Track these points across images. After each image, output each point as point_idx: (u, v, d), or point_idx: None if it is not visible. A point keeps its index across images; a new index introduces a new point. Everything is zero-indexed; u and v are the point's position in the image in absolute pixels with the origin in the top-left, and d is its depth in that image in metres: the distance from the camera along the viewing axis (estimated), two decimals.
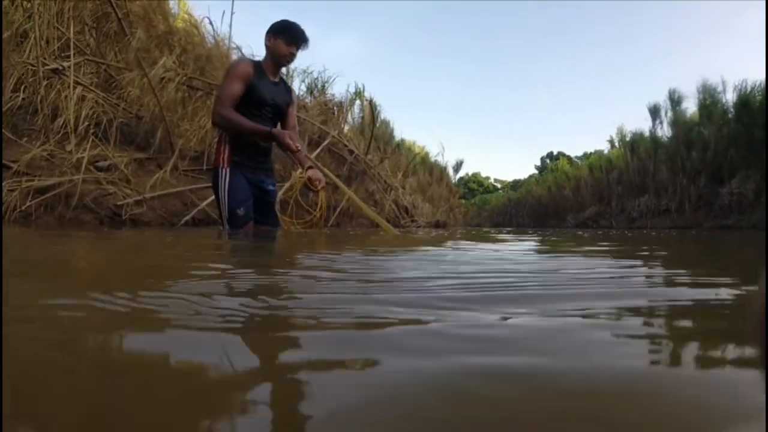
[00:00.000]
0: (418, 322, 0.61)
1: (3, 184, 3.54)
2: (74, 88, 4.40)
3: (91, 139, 4.25)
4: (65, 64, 4.46)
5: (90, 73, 4.89)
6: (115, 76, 5.05)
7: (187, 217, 4.35)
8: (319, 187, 3.23)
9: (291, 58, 3.22)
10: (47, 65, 4.36)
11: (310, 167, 3.30)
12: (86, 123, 4.34)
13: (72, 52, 4.54)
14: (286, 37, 3.14)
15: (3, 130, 3.88)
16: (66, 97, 4.31)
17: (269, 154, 3.34)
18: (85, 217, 3.77)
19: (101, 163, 4.20)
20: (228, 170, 3.09)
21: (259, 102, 3.14)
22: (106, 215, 3.87)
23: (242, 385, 0.40)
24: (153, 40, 5.42)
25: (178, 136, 5.05)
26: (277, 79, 3.28)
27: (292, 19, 3.20)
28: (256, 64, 3.17)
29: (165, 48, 5.57)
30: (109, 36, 5.25)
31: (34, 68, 4.28)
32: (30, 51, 4.34)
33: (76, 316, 0.59)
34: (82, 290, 0.76)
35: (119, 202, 3.96)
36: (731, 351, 0.53)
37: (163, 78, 5.04)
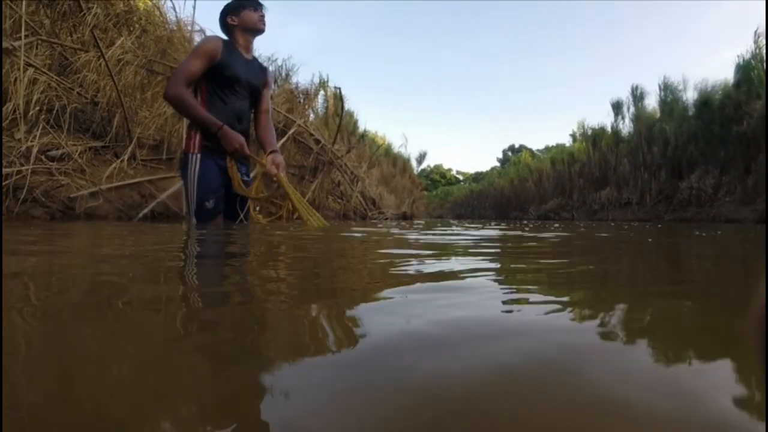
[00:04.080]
0: None
1: None
2: (25, 70, 4.12)
3: (42, 126, 3.99)
4: (16, 44, 4.16)
5: (43, 55, 4.59)
6: (70, 59, 4.77)
7: (145, 210, 4.14)
8: (274, 174, 3.05)
9: (263, 21, 3.07)
10: None
11: (272, 151, 3.14)
12: (37, 108, 4.07)
13: (23, 32, 4.24)
14: (248, 3, 3.03)
15: None
16: (16, 80, 4.02)
17: (247, 139, 3.08)
18: (35, 211, 3.53)
19: (53, 152, 3.95)
20: (198, 157, 2.87)
21: (232, 79, 2.95)
22: (59, 209, 3.63)
23: None
24: (111, 18, 5.14)
25: (137, 124, 4.80)
26: (250, 57, 3.12)
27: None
28: (226, 42, 2.99)
29: (124, 28, 5.29)
30: (65, 15, 4.95)
31: None
32: None
33: None
34: None
35: (73, 195, 3.73)
36: None
37: (120, 60, 4.78)
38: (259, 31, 3.09)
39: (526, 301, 0.68)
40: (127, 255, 1.25)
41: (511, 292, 0.77)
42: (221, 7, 3.08)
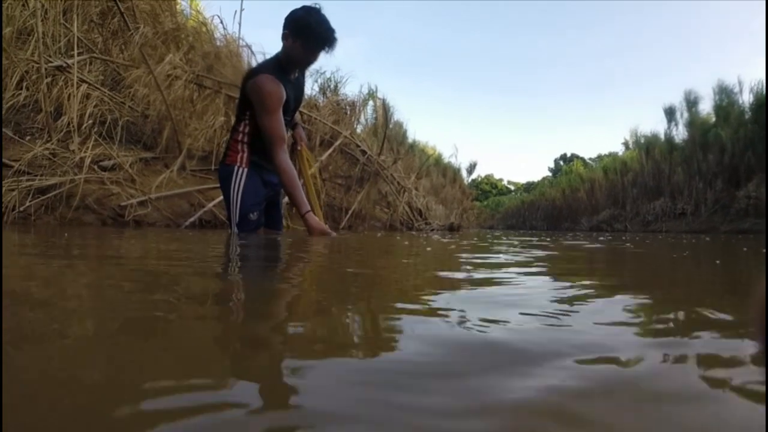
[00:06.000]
0: None
1: (3, 183, 3.39)
2: (78, 85, 4.26)
3: (94, 138, 4.10)
4: (70, 61, 4.32)
5: (96, 71, 4.75)
6: (122, 74, 4.91)
7: (192, 218, 4.19)
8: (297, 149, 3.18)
9: (309, 65, 2.87)
10: (51, 62, 4.22)
11: (295, 125, 3.23)
12: (90, 121, 4.20)
13: (76, 50, 4.40)
14: (305, 41, 2.70)
15: (3, 129, 3.75)
16: (70, 95, 4.17)
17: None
18: (86, 217, 3.62)
19: (105, 163, 4.05)
20: (245, 171, 2.87)
21: (285, 108, 2.84)
22: (109, 216, 3.72)
23: None
24: (159, 36, 5.28)
25: (186, 135, 4.89)
26: (296, 74, 2.95)
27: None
28: (277, 72, 2.76)
29: (172, 45, 5.43)
30: (116, 33, 5.12)
31: (37, 65, 4.14)
32: (34, 48, 4.20)
33: None
34: None
35: (123, 203, 3.81)
36: None
37: (169, 75, 4.89)
38: (297, 69, 2.92)
39: None
40: None
41: None
42: (289, 12, 2.75)
